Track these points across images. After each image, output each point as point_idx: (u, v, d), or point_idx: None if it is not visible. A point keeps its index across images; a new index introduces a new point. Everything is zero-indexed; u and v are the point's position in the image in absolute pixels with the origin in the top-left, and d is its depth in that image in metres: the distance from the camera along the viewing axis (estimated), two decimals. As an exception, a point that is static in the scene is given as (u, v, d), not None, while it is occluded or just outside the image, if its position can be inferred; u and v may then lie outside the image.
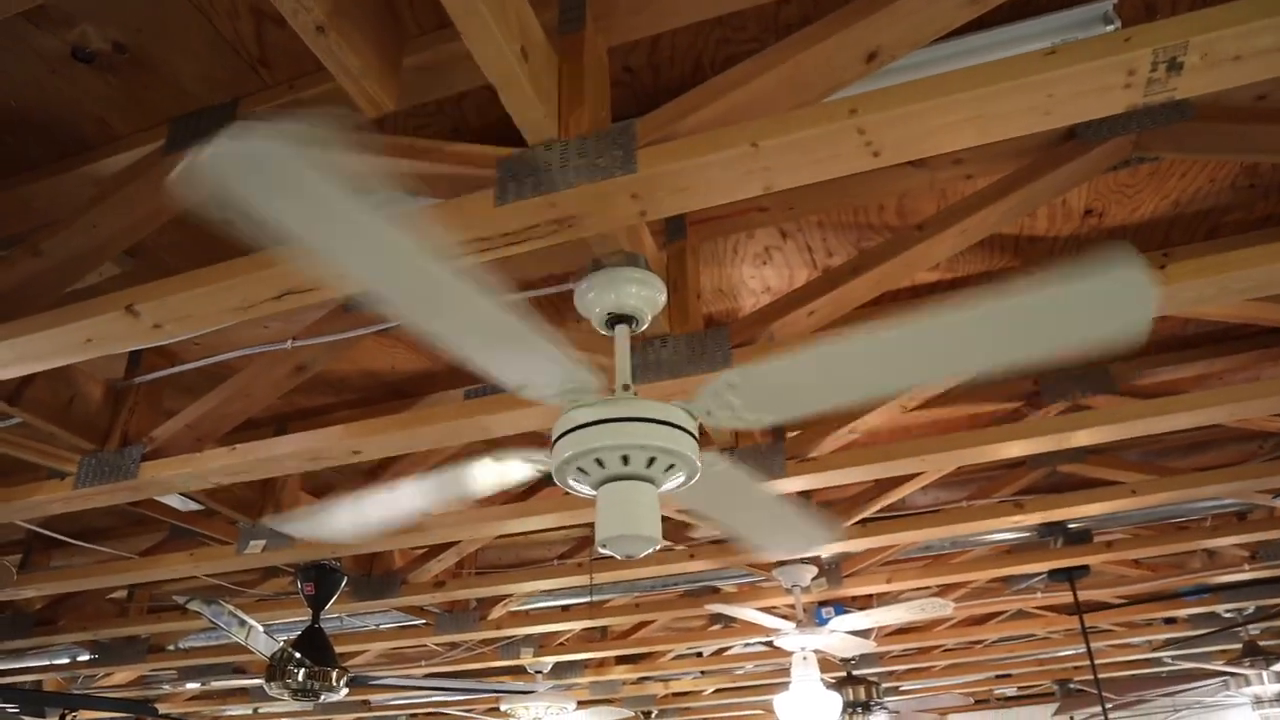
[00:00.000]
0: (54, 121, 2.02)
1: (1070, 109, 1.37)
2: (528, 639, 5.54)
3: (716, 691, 7.76)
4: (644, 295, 1.89)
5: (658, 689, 7.18)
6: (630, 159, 1.50)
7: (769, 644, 5.37)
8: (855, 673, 5.55)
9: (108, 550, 3.80)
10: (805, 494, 3.70)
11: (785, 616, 4.43)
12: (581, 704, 6.46)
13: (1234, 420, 2.81)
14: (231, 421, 2.83)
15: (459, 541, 4.02)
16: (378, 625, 5.34)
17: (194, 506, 3.56)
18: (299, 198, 1.05)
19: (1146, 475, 3.51)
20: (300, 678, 3.81)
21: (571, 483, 1.66)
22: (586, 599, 4.83)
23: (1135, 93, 1.33)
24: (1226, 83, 1.32)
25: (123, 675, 6.35)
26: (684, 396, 1.63)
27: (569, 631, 5.67)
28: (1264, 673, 6.19)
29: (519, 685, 5.80)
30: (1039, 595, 5.10)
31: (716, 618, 5.38)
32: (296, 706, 6.63)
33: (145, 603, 4.99)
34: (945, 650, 6.76)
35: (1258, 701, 6.36)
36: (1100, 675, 5.15)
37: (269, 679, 3.84)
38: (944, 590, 5.04)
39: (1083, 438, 2.69)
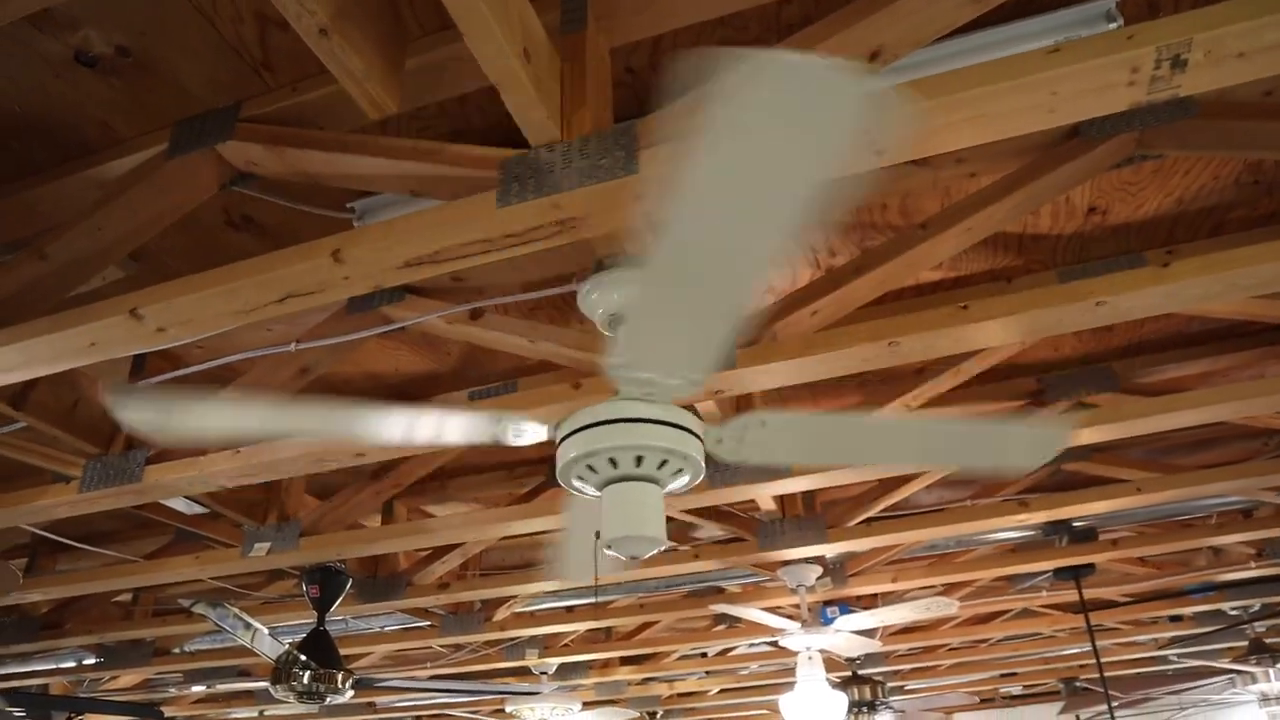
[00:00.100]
0: (57, 125, 2.03)
1: (1073, 107, 1.37)
2: (532, 640, 5.54)
3: (721, 692, 7.77)
4: (647, 296, 1.89)
5: (662, 690, 7.18)
6: (632, 160, 1.50)
7: (774, 644, 5.38)
8: (860, 672, 5.55)
9: (113, 554, 3.81)
10: (809, 494, 3.70)
11: (790, 616, 4.43)
12: (586, 705, 6.47)
13: (1239, 417, 2.81)
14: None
15: (463, 543, 4.02)
16: (383, 627, 5.34)
17: (199, 509, 3.57)
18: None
19: (1151, 473, 3.50)
20: (305, 680, 3.82)
21: (576, 484, 1.66)
22: (591, 600, 4.83)
23: (1139, 90, 1.33)
24: (1231, 79, 1.32)
25: (128, 678, 6.35)
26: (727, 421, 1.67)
27: (574, 633, 5.67)
28: (1270, 670, 6.19)
29: (524, 687, 5.80)
30: (1044, 594, 5.10)
31: (721, 618, 5.38)
32: (302, 709, 6.62)
33: (150, 606, 5.00)
34: (950, 649, 6.76)
35: (1264, 699, 6.35)
36: (1106, 673, 5.15)
37: (274, 682, 3.85)
38: (949, 589, 5.04)
39: (1087, 436, 2.69)
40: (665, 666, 6.44)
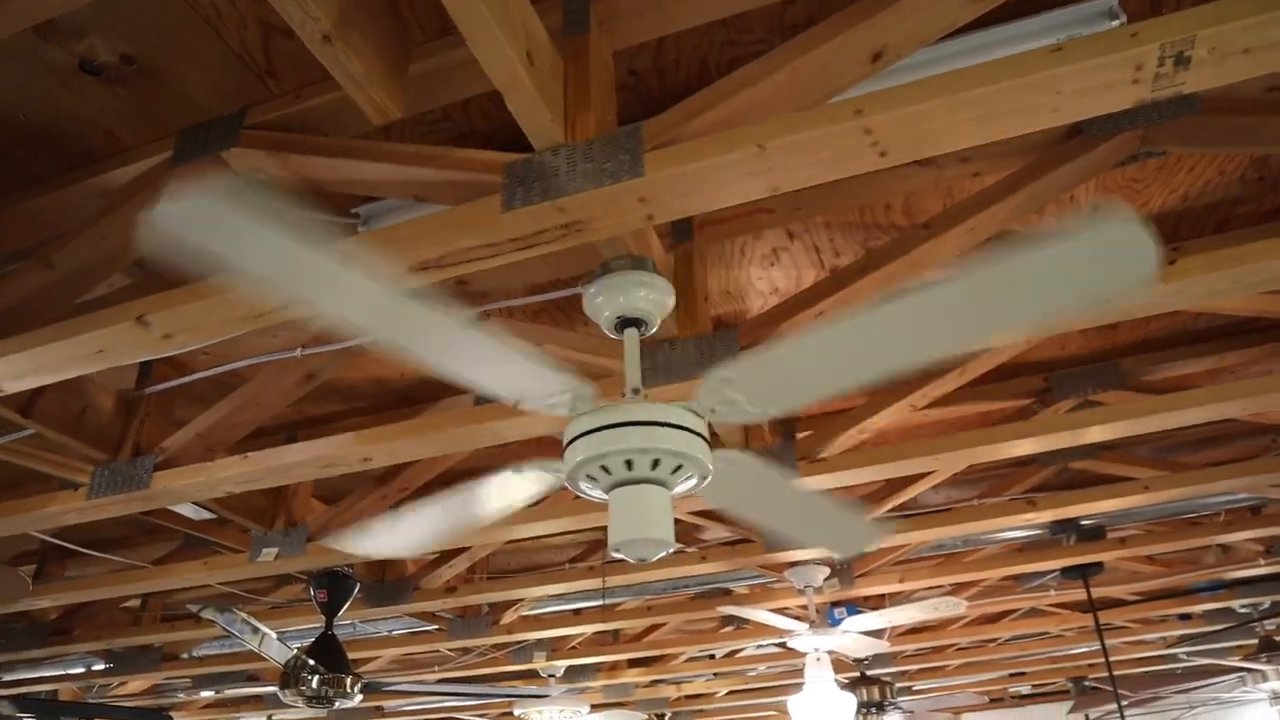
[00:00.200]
0: (63, 134, 2.03)
1: (1077, 106, 1.37)
2: (540, 643, 5.54)
3: (729, 693, 7.75)
4: (652, 298, 1.90)
5: (670, 691, 7.17)
6: (637, 163, 1.50)
7: (782, 645, 5.36)
8: (869, 673, 5.54)
9: (121, 560, 3.81)
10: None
11: (798, 618, 4.42)
12: (594, 707, 6.46)
13: (1246, 414, 2.80)
14: (242, 430, 2.84)
15: (470, 547, 4.03)
16: (390, 631, 5.34)
17: (206, 515, 3.57)
18: (247, 247, 1.15)
19: (1159, 471, 3.49)
20: (314, 684, 3.82)
21: (584, 487, 1.66)
22: (598, 602, 4.83)
23: (1143, 88, 1.33)
24: (1235, 76, 1.31)
25: (137, 684, 6.37)
26: (692, 399, 1.64)
27: (581, 635, 5.67)
28: (1280, 668, 6.16)
29: (532, 689, 5.80)
30: (1052, 593, 5.08)
31: (729, 619, 5.38)
32: (310, 713, 6.63)
33: (159, 611, 5.02)
34: (959, 649, 6.74)
35: (1275, 697, 6.33)
36: (1115, 672, 5.13)
37: (283, 686, 3.85)
38: (956, 589, 5.02)
39: (1094, 434, 2.68)
40: (673, 668, 6.43)
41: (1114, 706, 6.00)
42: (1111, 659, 5.15)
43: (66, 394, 2.69)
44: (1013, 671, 7.84)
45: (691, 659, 6.48)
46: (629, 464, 1.57)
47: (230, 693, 6.43)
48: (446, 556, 4.12)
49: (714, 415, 1.62)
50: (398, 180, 1.86)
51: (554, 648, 5.70)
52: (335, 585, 3.93)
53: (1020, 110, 1.38)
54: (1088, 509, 3.48)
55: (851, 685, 5.17)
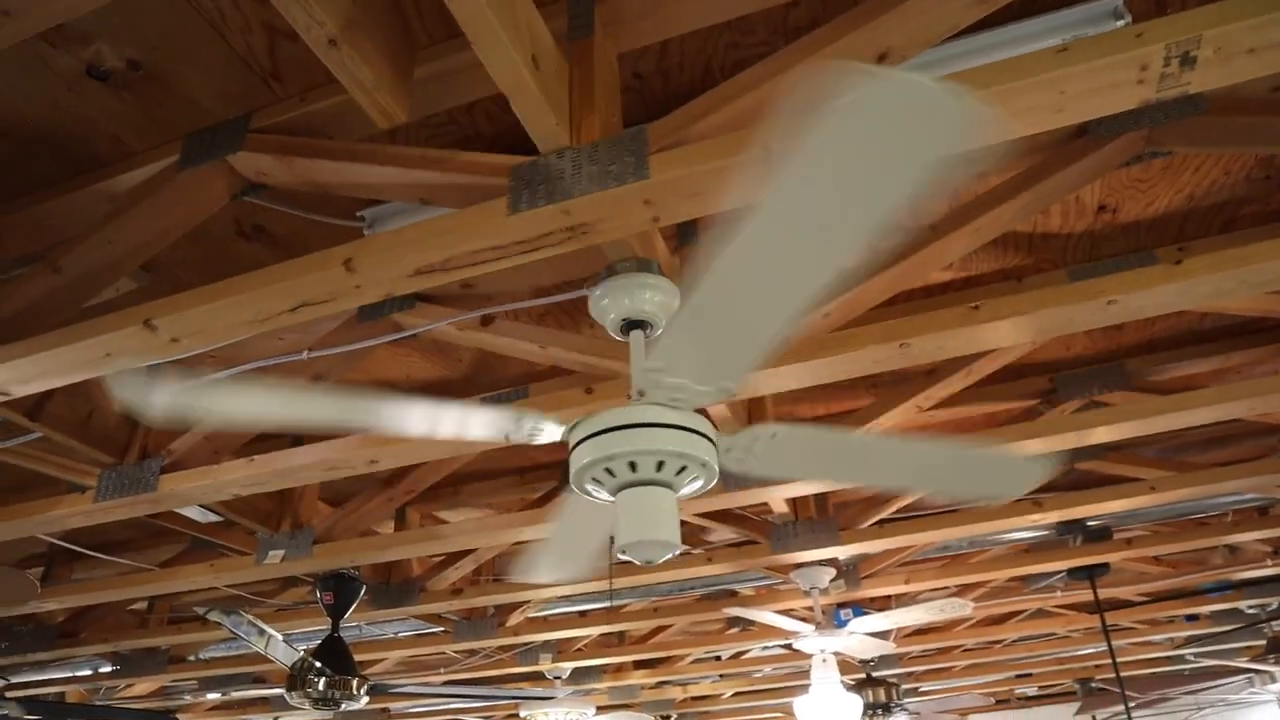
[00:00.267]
0: (69, 139, 2.04)
1: (1082, 106, 1.37)
2: (546, 645, 5.55)
3: (735, 695, 7.75)
4: (658, 300, 1.90)
5: (676, 693, 7.17)
6: (643, 165, 1.51)
7: (788, 647, 5.36)
8: (875, 674, 5.53)
9: (128, 562, 3.83)
10: (822, 495, 3.69)
11: (804, 619, 4.42)
12: (600, 709, 6.47)
13: (1253, 414, 2.79)
14: (248, 433, 2.84)
15: (476, 549, 4.03)
16: (396, 633, 5.35)
17: (213, 518, 3.59)
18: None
19: (1165, 471, 3.48)
20: (321, 686, 3.83)
21: (590, 489, 1.66)
22: (604, 604, 4.83)
23: (1148, 88, 1.33)
24: (1241, 76, 1.31)
25: (144, 686, 6.38)
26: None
27: (587, 637, 5.67)
28: (1288, 669, 6.13)
29: (538, 691, 5.81)
30: (1059, 594, 5.07)
31: (735, 621, 5.38)
32: (317, 715, 6.65)
33: (165, 614, 5.03)
34: (965, 650, 6.73)
35: (1283, 698, 6.30)
36: (1122, 674, 5.12)
37: (290, 688, 3.86)
38: (963, 590, 5.03)
39: (1100, 435, 2.68)
40: (679, 670, 6.43)
41: (1121, 708, 5.98)
42: (1118, 660, 5.14)
43: (74, 398, 2.70)
44: (1019, 673, 7.83)
45: (697, 660, 6.49)
46: (633, 466, 1.57)
47: (237, 695, 6.45)
48: (453, 558, 4.13)
49: (726, 455, 1.68)
50: (403, 183, 1.86)
51: (560, 649, 5.70)
52: (341, 587, 3.93)
53: (1026, 111, 1.38)
54: (1094, 510, 3.47)
55: (857, 687, 5.17)
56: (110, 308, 1.94)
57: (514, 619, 4.86)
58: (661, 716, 7.85)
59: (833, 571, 4.30)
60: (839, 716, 4.27)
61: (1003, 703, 9.72)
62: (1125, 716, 5.28)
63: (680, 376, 1.51)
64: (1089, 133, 2.12)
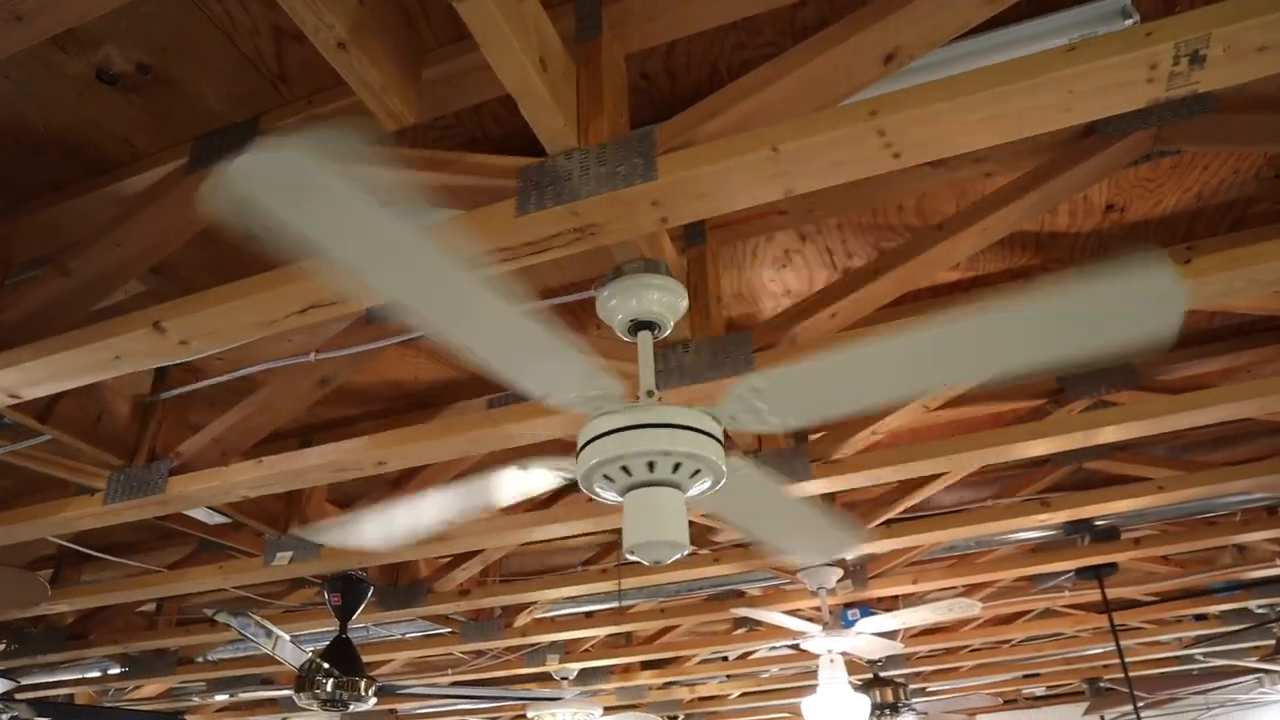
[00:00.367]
0: (79, 143, 2.05)
1: (1091, 105, 1.36)
2: (553, 645, 5.54)
3: (743, 695, 7.74)
4: (665, 301, 1.89)
5: (684, 693, 7.16)
6: (650, 166, 1.51)
7: (795, 647, 5.36)
8: (882, 674, 5.52)
9: (137, 564, 3.84)
10: (829, 496, 3.69)
11: (811, 619, 4.41)
12: (608, 709, 6.47)
13: (1262, 413, 2.78)
14: (257, 435, 2.85)
15: (483, 550, 4.03)
16: (404, 634, 5.36)
17: (221, 520, 3.59)
18: (323, 209, 1.06)
19: (1174, 471, 3.47)
20: (329, 688, 3.83)
21: (598, 489, 1.66)
22: (611, 605, 4.83)
23: (1157, 87, 1.32)
24: (1251, 74, 1.31)
25: (152, 688, 6.40)
26: (707, 401, 1.64)
27: (594, 637, 5.67)
28: (1298, 669, 6.11)
29: (545, 692, 5.81)
30: (1066, 594, 5.05)
31: (742, 621, 5.37)
32: (325, 716, 6.66)
33: (174, 615, 5.04)
34: (972, 650, 6.71)
35: (1292, 698, 6.28)
36: (1131, 674, 5.10)
37: (298, 689, 3.87)
38: (970, 590, 5.01)
39: (1108, 434, 2.67)
40: (686, 670, 6.42)
41: (1130, 708, 5.97)
42: (1127, 660, 5.13)
43: (83, 400, 2.71)
44: (1027, 673, 7.80)
45: (705, 661, 6.48)
46: (651, 466, 1.57)
47: (245, 696, 6.46)
48: (460, 559, 4.13)
49: (733, 422, 1.63)
50: (411, 185, 1.87)
51: (567, 650, 5.70)
52: (349, 589, 3.94)
53: (1034, 110, 1.37)
54: (1102, 509, 3.46)
55: (865, 687, 5.16)
56: (119, 310, 1.95)
57: (521, 620, 4.86)
58: (669, 717, 7.84)
59: (840, 572, 4.29)
60: (846, 717, 4.26)
61: (1010, 703, 9.68)
62: (1134, 717, 5.26)
63: (766, 403, 1.56)
64: (1097, 132, 2.11)
